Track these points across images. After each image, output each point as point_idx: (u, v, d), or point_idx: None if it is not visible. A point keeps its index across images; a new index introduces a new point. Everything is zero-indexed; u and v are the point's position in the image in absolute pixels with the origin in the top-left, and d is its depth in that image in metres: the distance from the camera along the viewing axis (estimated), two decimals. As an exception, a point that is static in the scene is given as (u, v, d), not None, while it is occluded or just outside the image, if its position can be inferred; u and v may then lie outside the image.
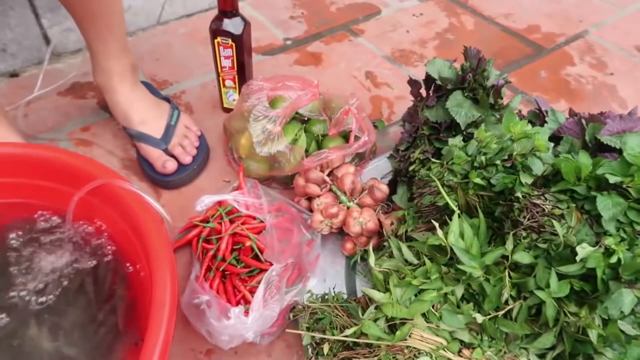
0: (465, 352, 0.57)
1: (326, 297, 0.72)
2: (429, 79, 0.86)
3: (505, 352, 0.58)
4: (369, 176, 0.88)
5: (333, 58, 1.24)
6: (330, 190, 0.82)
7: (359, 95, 1.14)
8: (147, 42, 1.25)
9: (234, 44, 0.94)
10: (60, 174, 0.71)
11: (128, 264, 0.69)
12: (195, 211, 0.80)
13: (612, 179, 0.54)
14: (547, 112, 0.81)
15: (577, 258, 0.52)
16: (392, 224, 0.74)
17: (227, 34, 0.93)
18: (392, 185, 0.84)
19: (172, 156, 0.91)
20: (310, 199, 0.83)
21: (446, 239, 0.57)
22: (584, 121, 0.71)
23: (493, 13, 1.44)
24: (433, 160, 0.72)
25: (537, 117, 0.85)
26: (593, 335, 0.55)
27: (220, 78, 1.01)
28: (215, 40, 0.94)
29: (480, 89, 0.79)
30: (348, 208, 0.78)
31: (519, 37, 1.36)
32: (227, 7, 0.91)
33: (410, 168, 0.76)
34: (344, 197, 0.80)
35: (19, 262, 0.69)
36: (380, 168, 0.93)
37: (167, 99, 1.01)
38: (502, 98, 0.81)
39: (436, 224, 0.58)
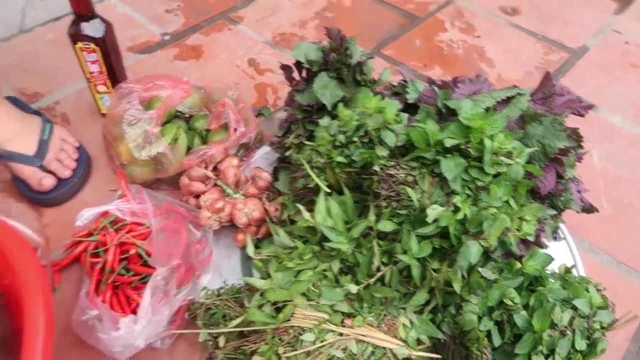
0: (348, 321, 0.61)
1: (221, 290, 0.73)
2: (298, 63, 0.88)
3: (385, 315, 0.63)
4: (257, 165, 0.90)
5: (214, 49, 1.23)
6: (216, 185, 0.83)
7: (243, 84, 1.15)
8: (11, 53, 1.17)
9: (97, 48, 0.90)
10: None
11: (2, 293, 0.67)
12: (77, 226, 0.79)
13: (449, 142, 0.59)
14: (406, 82, 0.86)
15: (429, 219, 0.57)
16: (276, 210, 0.77)
17: (88, 38, 0.89)
18: (276, 172, 0.86)
19: (50, 172, 0.88)
20: (198, 196, 0.84)
21: (313, 219, 0.60)
22: (436, 88, 0.77)
23: (368, -13, 1.49)
24: (306, 143, 0.75)
25: (404, 88, 0.89)
26: (457, 286, 0.60)
27: (92, 84, 0.97)
28: (77, 46, 0.90)
29: (344, 68, 0.83)
30: (235, 200, 0.80)
31: (394, 9, 1.41)
32: (81, 10, 0.88)
33: (287, 153, 0.78)
34: (229, 189, 0.81)
35: None
36: (268, 156, 0.94)
37: (37, 113, 0.96)
38: (366, 74, 0.85)
39: (301, 207, 0.61)
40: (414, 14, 1.40)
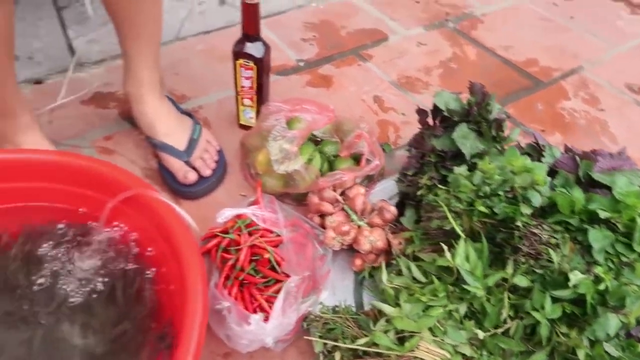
0: (466, 364, 0.63)
1: (337, 309, 0.77)
2: (436, 110, 0.93)
3: (501, 367, 0.65)
4: (376, 197, 0.95)
5: (343, 81, 1.31)
6: (342, 209, 0.88)
7: (367, 118, 1.21)
8: (166, 57, 1.30)
9: (255, 67, 1.00)
10: (96, 182, 0.77)
11: (155, 269, 0.75)
12: (216, 222, 0.86)
13: (603, 215, 0.61)
14: (544, 146, 0.88)
15: (570, 284, 0.59)
16: (400, 243, 0.81)
17: (250, 56, 0.99)
18: (399, 207, 0.90)
19: (193, 168, 0.97)
20: (322, 216, 0.89)
21: (453, 260, 0.64)
22: (577, 157, 0.78)
23: (494, 45, 1.52)
24: (440, 186, 0.78)
25: (535, 150, 0.92)
26: (581, 354, 0.61)
27: (239, 97, 1.07)
28: (237, 62, 1.00)
29: (483, 122, 0.86)
30: (359, 227, 0.84)
31: (517, 70, 1.44)
32: (250, 31, 0.98)
33: (418, 192, 0.82)
34: (354, 216, 0.86)
35: (54, 262, 0.74)
36: (387, 190, 0.99)
37: (188, 114, 1.07)
38: (503, 131, 0.88)
39: (445, 247, 0.64)
40: (537, 77, 1.42)
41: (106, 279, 0.73)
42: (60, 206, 0.80)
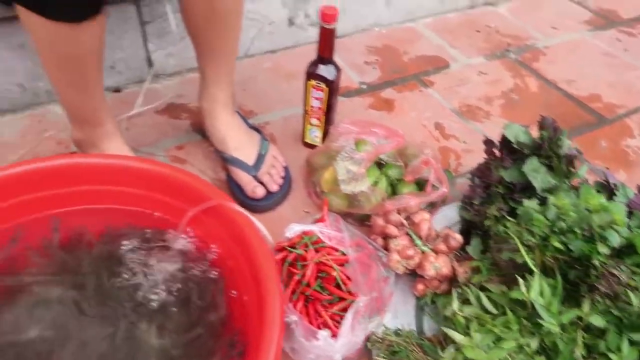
0: (535, 400, 0.63)
1: (399, 332, 0.78)
2: (505, 141, 0.94)
3: (571, 406, 0.64)
4: (437, 223, 0.95)
5: (405, 106, 1.33)
6: (406, 233, 0.89)
7: (428, 144, 1.23)
8: (236, 73, 1.36)
9: (326, 88, 1.03)
10: (176, 190, 0.81)
11: (230, 278, 0.77)
12: (280, 237, 0.89)
13: (688, 261, 0.60)
14: (615, 185, 0.87)
15: (650, 328, 0.58)
16: (465, 272, 0.81)
17: (322, 78, 1.02)
18: (463, 235, 0.90)
19: (261, 183, 1.01)
20: (385, 238, 0.91)
21: (528, 294, 0.64)
22: (654, 200, 0.78)
23: (556, 78, 1.52)
24: (508, 218, 0.79)
25: (604, 189, 0.91)
26: (656, 400, 0.60)
27: (307, 116, 1.10)
28: (309, 83, 1.04)
29: (554, 157, 0.87)
30: (423, 252, 0.85)
31: (580, 105, 1.43)
32: (325, 54, 1.02)
33: (486, 223, 0.83)
34: (419, 241, 0.87)
35: (134, 263, 0.78)
36: (448, 217, 1.00)
37: (257, 129, 1.11)
38: (574, 167, 0.88)
39: (521, 280, 0.65)
40: (601, 113, 1.40)
41: (182, 284, 0.77)
42: (139, 210, 0.84)
